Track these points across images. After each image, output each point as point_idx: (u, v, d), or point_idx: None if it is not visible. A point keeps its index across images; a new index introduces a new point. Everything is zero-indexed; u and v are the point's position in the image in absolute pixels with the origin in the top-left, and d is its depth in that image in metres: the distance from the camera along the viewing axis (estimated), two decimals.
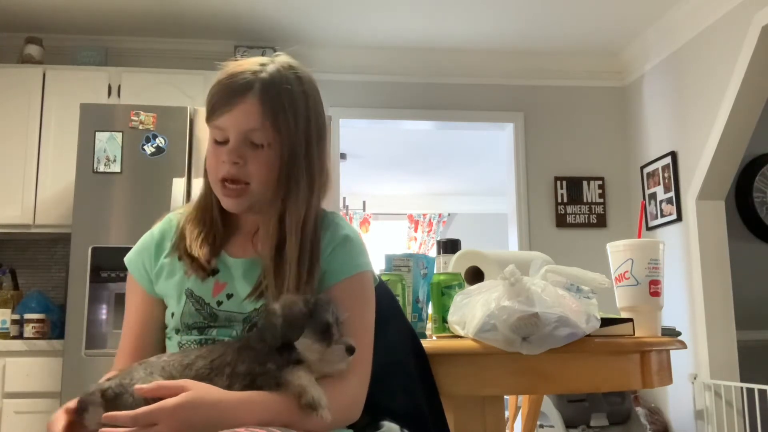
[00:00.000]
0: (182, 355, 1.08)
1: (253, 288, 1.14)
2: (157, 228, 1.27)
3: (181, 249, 1.20)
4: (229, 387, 1.03)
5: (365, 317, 1.17)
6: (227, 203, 1.18)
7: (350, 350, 1.06)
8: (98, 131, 3.34)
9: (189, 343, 1.16)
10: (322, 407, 1.01)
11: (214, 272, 1.19)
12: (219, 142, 1.16)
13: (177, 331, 1.18)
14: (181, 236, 1.22)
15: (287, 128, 1.15)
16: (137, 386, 0.99)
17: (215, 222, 1.22)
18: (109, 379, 1.04)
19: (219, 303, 1.16)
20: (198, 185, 2.28)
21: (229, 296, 1.16)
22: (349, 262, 1.18)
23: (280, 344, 1.04)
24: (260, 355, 1.05)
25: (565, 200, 4.46)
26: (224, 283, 1.17)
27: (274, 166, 1.15)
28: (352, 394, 1.11)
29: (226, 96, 1.14)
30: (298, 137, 1.16)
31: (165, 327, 1.21)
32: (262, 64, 1.18)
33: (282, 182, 1.16)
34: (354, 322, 1.11)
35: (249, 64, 1.18)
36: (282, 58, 1.22)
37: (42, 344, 3.32)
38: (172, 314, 1.19)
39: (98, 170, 3.31)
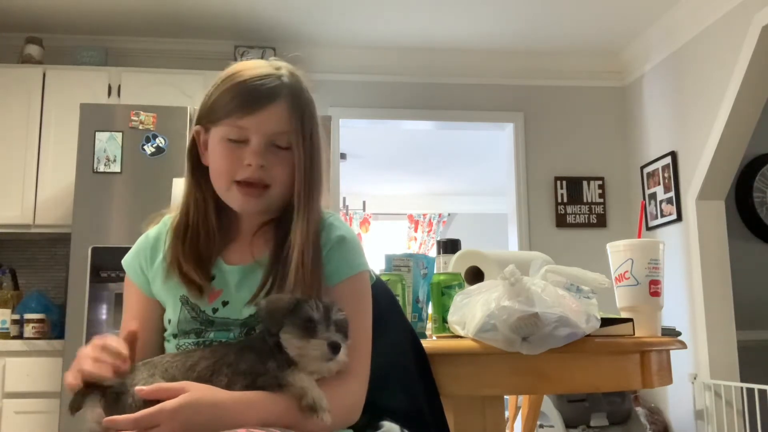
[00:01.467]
0: (185, 356, 1.08)
1: (257, 290, 1.14)
2: (152, 231, 1.26)
3: (174, 266, 1.18)
4: (229, 386, 1.02)
5: (363, 318, 1.17)
6: (246, 203, 1.16)
7: (333, 347, 1.04)
8: (98, 131, 3.34)
9: (187, 345, 1.16)
10: (322, 409, 1.01)
11: (210, 279, 1.18)
12: (234, 141, 1.14)
13: (174, 336, 1.18)
14: (173, 251, 1.19)
15: (310, 133, 1.17)
16: (138, 387, 0.99)
17: (211, 233, 1.20)
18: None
19: (215, 310, 1.15)
20: None
21: (225, 303, 1.15)
22: (345, 263, 1.18)
23: (271, 338, 1.04)
24: (262, 355, 1.05)
25: (565, 200, 4.46)
26: (220, 290, 1.16)
27: (293, 170, 1.16)
28: (351, 395, 1.10)
29: (254, 97, 1.13)
30: (316, 142, 1.18)
31: (163, 329, 1.21)
32: (278, 68, 1.18)
33: (300, 186, 1.16)
34: (352, 324, 1.11)
35: (265, 67, 1.17)
36: (286, 64, 1.22)
37: (42, 344, 3.32)
38: (169, 320, 1.18)
39: (98, 170, 3.31)
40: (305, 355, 1.04)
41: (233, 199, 1.17)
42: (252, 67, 1.17)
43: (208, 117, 1.18)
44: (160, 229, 1.26)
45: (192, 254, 1.17)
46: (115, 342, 1.05)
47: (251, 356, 1.05)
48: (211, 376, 1.03)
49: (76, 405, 1.01)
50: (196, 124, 1.21)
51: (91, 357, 1.02)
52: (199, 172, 1.21)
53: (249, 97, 1.14)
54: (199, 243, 1.19)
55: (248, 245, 1.20)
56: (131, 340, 1.07)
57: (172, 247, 1.19)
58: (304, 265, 1.13)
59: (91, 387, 1.01)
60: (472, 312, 1.30)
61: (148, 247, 1.24)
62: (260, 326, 1.13)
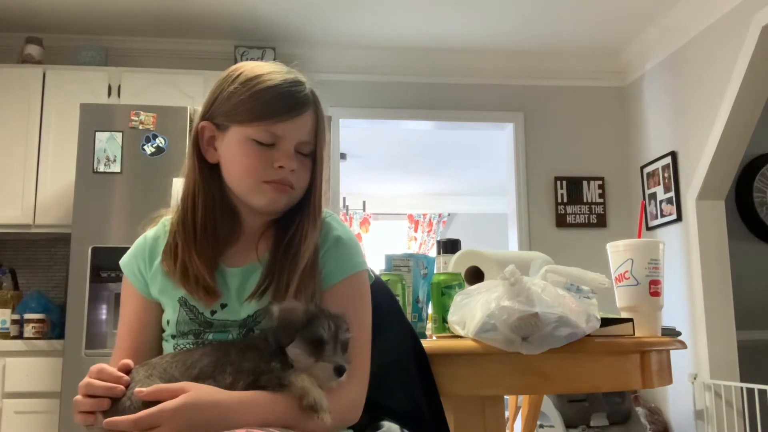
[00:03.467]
0: (185, 355, 1.08)
1: (255, 288, 1.14)
2: (151, 232, 1.26)
3: (179, 274, 1.16)
4: (232, 384, 1.02)
5: (362, 318, 1.17)
6: (274, 198, 1.16)
7: (339, 371, 1.04)
8: (98, 131, 3.34)
9: (185, 345, 1.15)
10: (323, 410, 1.01)
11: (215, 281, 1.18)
12: (263, 144, 1.15)
13: (173, 336, 1.17)
14: (184, 251, 1.17)
15: (324, 141, 1.22)
16: (137, 389, 0.99)
17: (218, 233, 1.19)
18: None
19: (213, 312, 1.15)
20: None
21: (223, 306, 1.15)
22: (342, 264, 1.18)
23: (275, 346, 1.04)
24: (265, 355, 1.05)
25: (565, 200, 4.46)
26: (219, 294, 1.16)
27: (310, 175, 1.20)
28: (352, 396, 1.11)
29: (290, 104, 1.15)
30: (326, 150, 1.25)
31: (161, 330, 1.20)
32: (298, 75, 1.20)
33: (316, 192, 1.20)
34: (351, 324, 1.11)
35: (291, 73, 1.19)
36: (299, 72, 1.23)
37: (42, 344, 3.32)
38: (168, 321, 1.18)
39: (98, 170, 3.31)
40: (312, 374, 1.04)
41: (261, 195, 1.17)
42: (277, 71, 1.18)
43: (225, 115, 1.17)
44: (158, 230, 1.25)
45: (204, 254, 1.17)
46: (111, 369, 1.04)
47: (254, 356, 1.05)
48: (213, 372, 1.03)
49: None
50: (205, 119, 1.19)
51: (85, 395, 1.02)
52: (206, 169, 1.20)
53: (285, 103, 1.15)
54: (207, 245, 1.18)
55: (250, 247, 1.20)
56: (125, 372, 1.06)
57: (182, 251, 1.17)
58: (305, 262, 1.14)
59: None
60: (472, 312, 1.30)
61: (146, 249, 1.23)
62: (259, 327, 1.13)
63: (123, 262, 1.25)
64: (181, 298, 1.17)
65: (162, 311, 1.21)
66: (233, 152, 1.17)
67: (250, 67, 1.19)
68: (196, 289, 1.15)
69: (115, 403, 1.00)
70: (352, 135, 5.19)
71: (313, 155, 1.20)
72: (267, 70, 1.18)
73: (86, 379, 1.03)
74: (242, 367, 1.04)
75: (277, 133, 1.15)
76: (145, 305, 1.22)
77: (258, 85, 1.15)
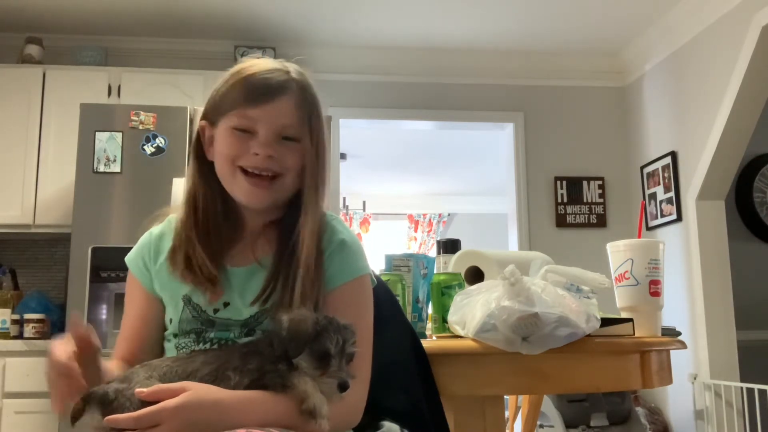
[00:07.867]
0: (186, 361, 1.07)
1: (261, 291, 1.14)
2: (156, 229, 1.26)
3: (183, 267, 1.17)
4: (237, 385, 1.02)
5: (364, 321, 1.17)
6: (252, 194, 1.16)
7: (342, 387, 1.03)
8: (98, 131, 3.34)
9: (187, 344, 1.16)
10: (321, 416, 1.00)
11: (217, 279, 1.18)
12: (241, 130, 1.15)
13: (175, 335, 1.18)
14: (186, 249, 1.18)
15: (318, 130, 1.19)
16: (137, 390, 0.99)
17: (220, 231, 1.20)
18: (108, 383, 1.03)
19: (216, 311, 1.15)
20: None
21: (226, 304, 1.15)
22: (346, 267, 1.18)
23: (281, 354, 1.05)
24: (269, 358, 1.04)
25: (565, 200, 4.46)
26: (221, 292, 1.16)
27: (303, 162, 1.18)
28: (353, 400, 1.10)
29: (264, 90, 1.15)
30: (322, 140, 1.20)
31: (164, 327, 1.21)
32: (285, 65, 1.21)
33: (309, 180, 1.18)
34: (354, 327, 1.11)
35: (274, 63, 1.20)
36: (294, 65, 1.23)
37: (42, 344, 3.32)
38: (171, 320, 1.18)
39: (98, 170, 3.31)
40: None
41: (239, 187, 1.17)
42: (260, 62, 1.20)
43: (215, 111, 1.19)
44: (164, 227, 1.26)
45: (206, 252, 1.17)
46: (60, 352, 1.01)
47: (258, 360, 1.05)
48: (214, 381, 1.03)
49: (77, 414, 1.00)
50: (202, 119, 1.22)
51: (53, 381, 1.00)
52: (206, 168, 1.21)
53: (258, 88, 1.16)
54: (211, 241, 1.19)
55: (250, 246, 1.20)
56: (79, 337, 1.03)
57: (186, 246, 1.18)
58: (308, 266, 1.13)
59: (86, 397, 1.00)
60: (472, 312, 1.30)
61: (151, 245, 1.24)
62: (261, 327, 1.13)
63: (128, 258, 1.26)
64: (185, 296, 1.17)
65: (165, 307, 1.21)
66: (218, 144, 1.19)
67: (239, 64, 1.21)
68: (201, 280, 1.15)
69: (112, 404, 1.00)
70: (352, 135, 5.18)
71: (300, 139, 1.17)
72: (250, 63, 1.20)
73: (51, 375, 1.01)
74: (246, 368, 1.04)
75: (252, 117, 1.15)
76: (149, 300, 1.22)
77: (237, 76, 1.18)
